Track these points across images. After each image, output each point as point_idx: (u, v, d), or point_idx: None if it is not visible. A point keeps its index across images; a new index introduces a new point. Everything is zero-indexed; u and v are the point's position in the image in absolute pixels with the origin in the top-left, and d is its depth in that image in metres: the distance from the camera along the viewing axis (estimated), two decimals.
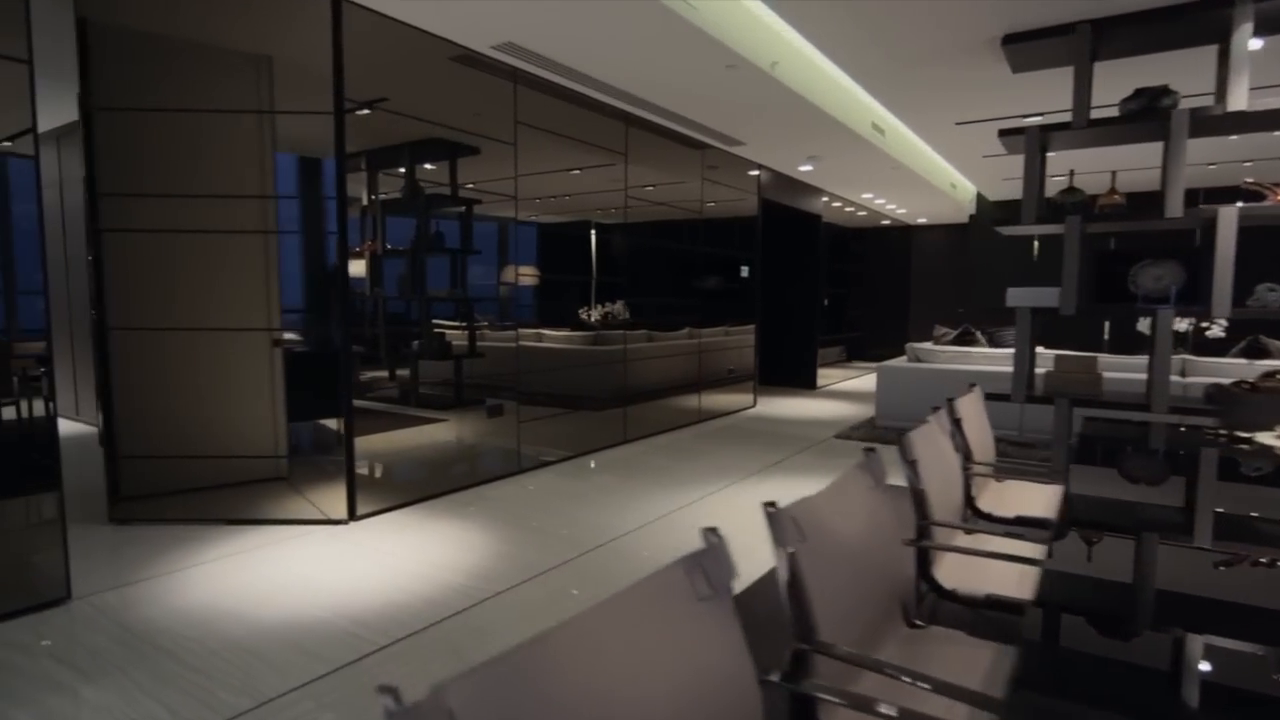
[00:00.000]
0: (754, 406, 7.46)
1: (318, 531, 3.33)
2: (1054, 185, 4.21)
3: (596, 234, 5.84)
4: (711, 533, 0.86)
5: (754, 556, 3.29)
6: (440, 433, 4.51)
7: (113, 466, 3.50)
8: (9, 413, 2.70)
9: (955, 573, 1.62)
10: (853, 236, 12.13)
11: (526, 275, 4.95)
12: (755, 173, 7.24)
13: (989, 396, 4.42)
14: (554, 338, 5.52)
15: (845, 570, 1.15)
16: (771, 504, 1.01)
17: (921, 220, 11.99)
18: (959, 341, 6.21)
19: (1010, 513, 2.12)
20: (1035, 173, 4.18)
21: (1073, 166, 4.42)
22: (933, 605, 1.50)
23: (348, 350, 3.55)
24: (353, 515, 3.50)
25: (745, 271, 7.41)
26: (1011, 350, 5.87)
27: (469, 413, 4.64)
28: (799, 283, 9.02)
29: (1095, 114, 3.90)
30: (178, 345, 3.58)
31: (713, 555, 0.86)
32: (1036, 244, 10.33)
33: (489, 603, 2.60)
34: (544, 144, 4.69)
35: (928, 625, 1.35)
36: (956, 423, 2.11)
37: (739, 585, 2.61)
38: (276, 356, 3.67)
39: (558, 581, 2.80)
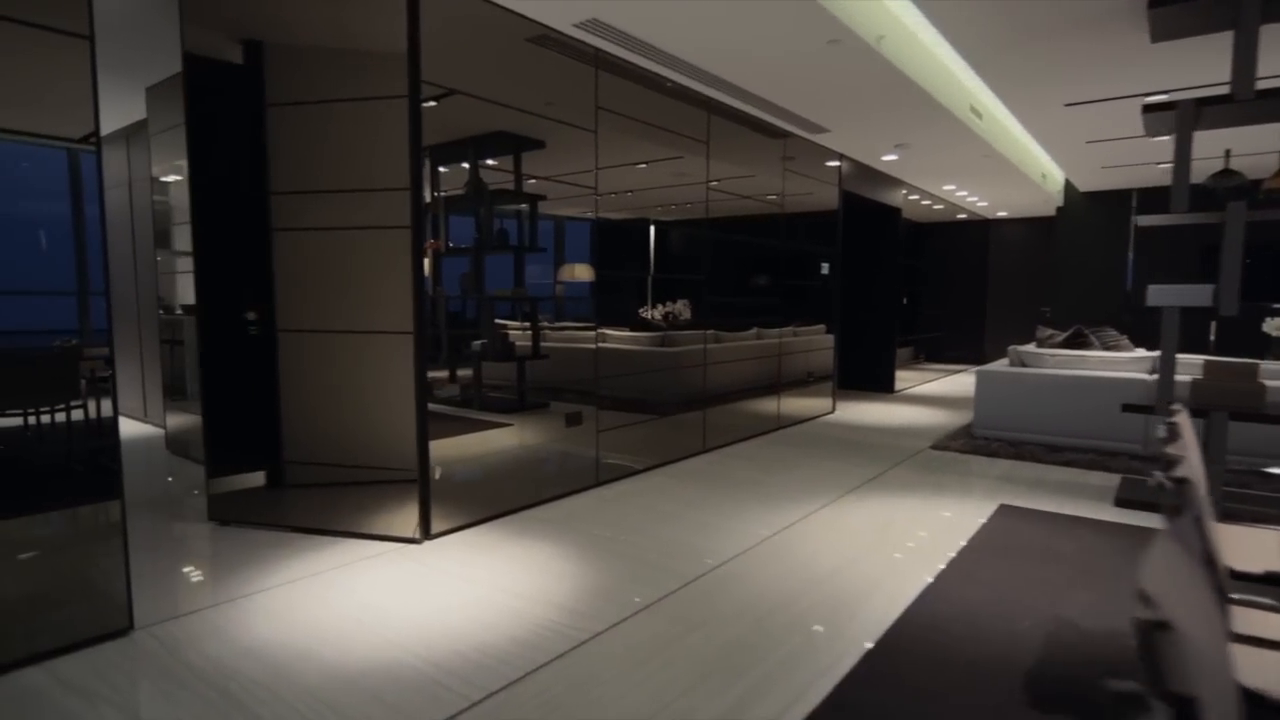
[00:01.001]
0: (833, 412, 7.02)
1: (392, 552, 3.07)
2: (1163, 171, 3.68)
3: (655, 231, 5.51)
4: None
5: (882, 590, 2.88)
6: (507, 438, 4.23)
7: (276, 466, 3.56)
8: (66, 417, 2.52)
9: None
10: (925, 231, 11.51)
11: (584, 274, 4.68)
12: (835, 163, 6.79)
13: (1127, 408, 3.93)
14: (619, 338, 5.20)
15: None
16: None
17: (1001, 214, 11.32)
18: (1070, 344, 5.66)
19: (1254, 566, 1.69)
20: (1186, 154, 3.68)
21: (1229, 146, 3.88)
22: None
23: (421, 351, 3.28)
24: (427, 534, 3.24)
25: (825, 269, 6.96)
26: (1134, 354, 5.31)
27: (533, 416, 4.35)
28: (876, 280, 8.52)
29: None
30: (316, 345, 3.49)
31: None
32: (1133, 239, 9.59)
33: (588, 647, 2.27)
34: (612, 137, 4.34)
35: None
36: None
37: (872, 633, 2.19)
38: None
39: (663, 620, 2.46)
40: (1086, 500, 3.98)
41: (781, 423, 6.21)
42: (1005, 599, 2.65)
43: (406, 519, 3.25)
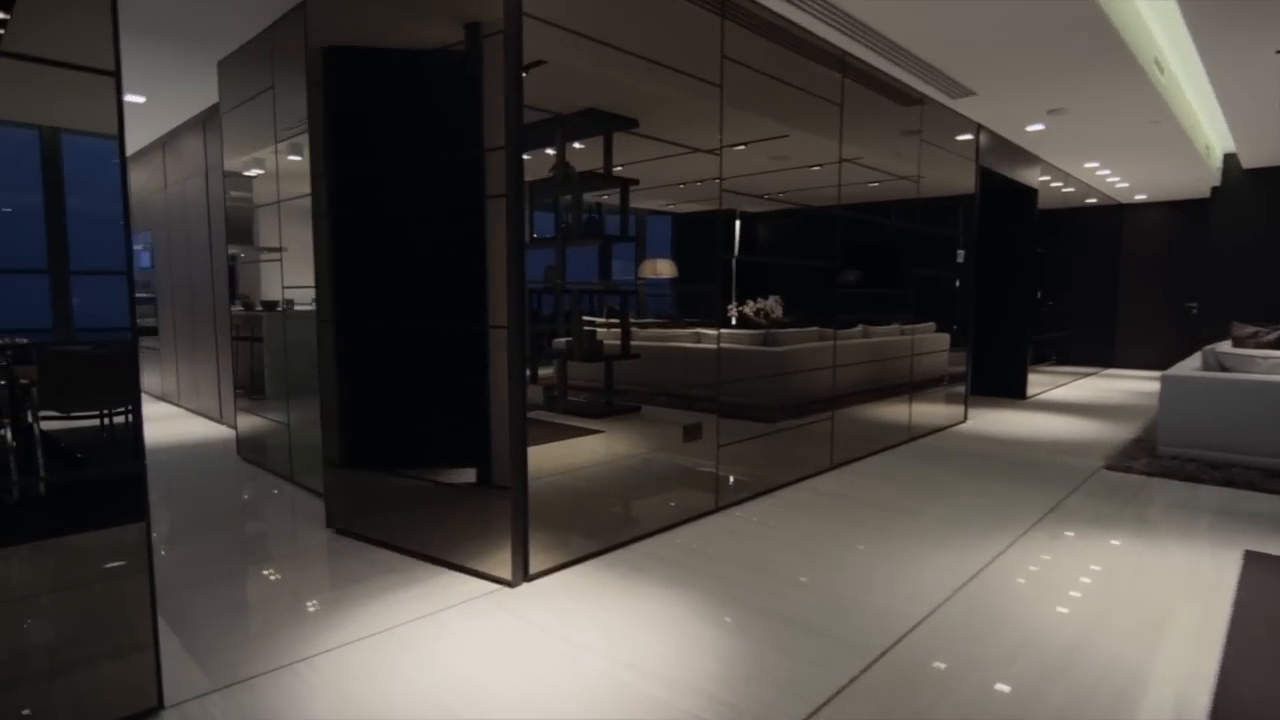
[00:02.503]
0: (965, 421, 6.13)
1: (482, 598, 2.48)
2: None
3: (741, 222, 4.78)
4: None
5: (1152, 684, 1.87)
6: (599, 448, 3.61)
7: (485, 471, 2.97)
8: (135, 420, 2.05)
9: None
10: (1049, 218, 10.28)
11: (665, 269, 4.04)
12: (967, 136, 5.88)
13: None
14: (715, 337, 4.50)
15: None
16: None
17: (1140, 197, 10.02)
18: None
19: None
20: None
21: None
22: None
23: (519, 352, 2.69)
24: (525, 574, 2.64)
25: (960, 257, 6.08)
26: None
27: (621, 422, 3.71)
28: (1007, 272, 7.52)
29: None
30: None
31: None
32: None
33: None
34: (714, 117, 3.63)
35: None
36: None
37: None
38: None
39: None
40: None
41: (912, 434, 5.39)
42: None
43: (504, 546, 2.66)
